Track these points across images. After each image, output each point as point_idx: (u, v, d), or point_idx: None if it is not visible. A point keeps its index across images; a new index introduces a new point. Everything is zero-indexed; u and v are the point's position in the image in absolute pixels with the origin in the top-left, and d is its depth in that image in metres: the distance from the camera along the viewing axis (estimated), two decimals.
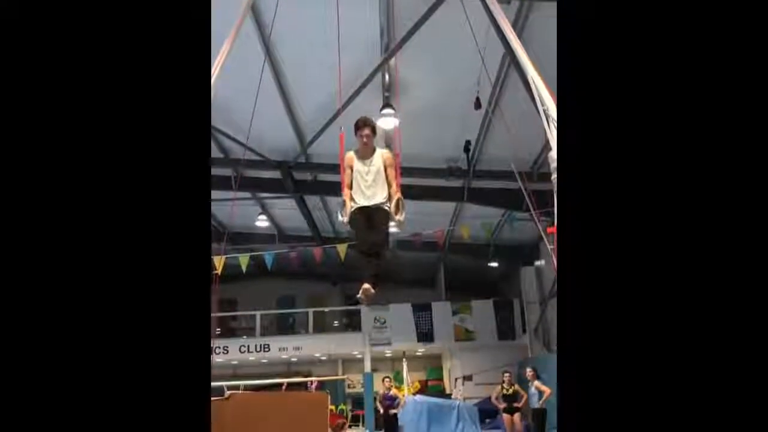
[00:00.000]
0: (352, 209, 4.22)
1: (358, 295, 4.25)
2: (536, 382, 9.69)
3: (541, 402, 9.50)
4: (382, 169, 4.25)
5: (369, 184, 4.22)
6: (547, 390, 9.41)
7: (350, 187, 4.28)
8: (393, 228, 4.69)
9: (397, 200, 4.21)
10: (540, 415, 9.59)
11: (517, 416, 9.75)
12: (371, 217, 4.22)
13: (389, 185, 4.26)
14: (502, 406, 9.95)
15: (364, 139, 4.26)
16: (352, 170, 4.27)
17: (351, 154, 4.32)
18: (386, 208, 4.23)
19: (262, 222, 14.40)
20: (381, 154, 4.31)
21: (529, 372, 9.94)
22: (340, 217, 4.35)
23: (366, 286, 4.16)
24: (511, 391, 9.88)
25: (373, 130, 4.29)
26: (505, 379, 10.01)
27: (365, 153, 4.29)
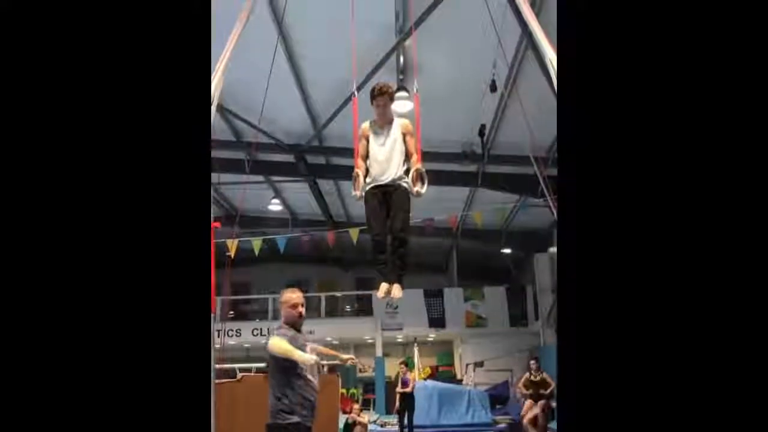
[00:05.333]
0: (368, 186, 3.92)
1: (380, 296, 3.88)
2: (543, 375, 9.67)
3: (547, 392, 9.53)
4: (401, 138, 3.94)
5: (386, 155, 3.90)
6: (551, 383, 9.41)
7: (365, 159, 4.00)
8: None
9: (417, 170, 3.88)
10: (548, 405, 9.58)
11: (540, 403, 9.48)
12: (389, 199, 3.86)
13: (409, 155, 3.95)
14: (528, 392, 9.74)
15: (380, 109, 3.95)
16: (367, 141, 3.99)
17: (367, 125, 4.03)
18: (405, 185, 3.89)
19: (275, 206, 14.40)
20: (399, 123, 4.00)
21: (532, 364, 9.89)
22: (352, 192, 4.03)
23: (385, 286, 3.80)
24: (538, 378, 9.66)
25: (391, 97, 3.99)
26: (532, 366, 9.84)
27: (382, 122, 4.00)
